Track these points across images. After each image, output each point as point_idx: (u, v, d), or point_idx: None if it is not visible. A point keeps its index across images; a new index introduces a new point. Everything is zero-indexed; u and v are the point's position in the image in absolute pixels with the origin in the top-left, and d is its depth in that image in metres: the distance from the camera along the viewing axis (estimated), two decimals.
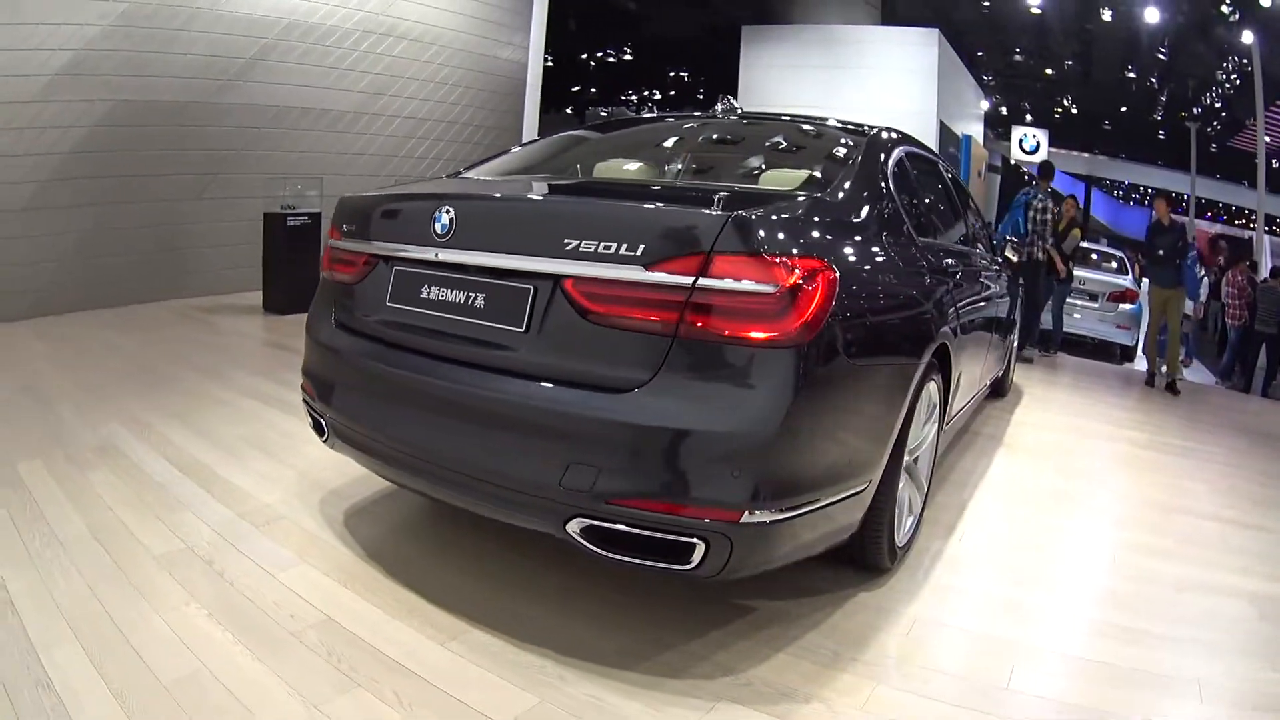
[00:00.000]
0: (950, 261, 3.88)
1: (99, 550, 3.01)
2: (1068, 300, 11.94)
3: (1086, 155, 34.53)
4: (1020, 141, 25.55)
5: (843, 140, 3.65)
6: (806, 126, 3.97)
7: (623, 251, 2.31)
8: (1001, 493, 4.58)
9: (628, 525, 2.29)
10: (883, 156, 3.52)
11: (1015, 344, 7.55)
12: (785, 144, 3.76)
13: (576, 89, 33.42)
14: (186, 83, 8.29)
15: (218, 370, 5.76)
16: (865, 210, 3.06)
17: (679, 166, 3.73)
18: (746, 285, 2.26)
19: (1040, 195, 9.52)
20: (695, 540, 2.26)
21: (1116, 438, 6.39)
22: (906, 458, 3.20)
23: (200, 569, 2.89)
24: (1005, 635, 2.95)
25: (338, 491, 3.65)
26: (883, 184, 3.35)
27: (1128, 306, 12.72)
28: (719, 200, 2.63)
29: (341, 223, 3.15)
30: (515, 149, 4.07)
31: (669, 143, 4.13)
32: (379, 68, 10.37)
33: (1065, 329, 11.88)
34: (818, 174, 3.23)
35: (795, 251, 2.37)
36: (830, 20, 19.63)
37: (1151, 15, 19.76)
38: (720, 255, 2.26)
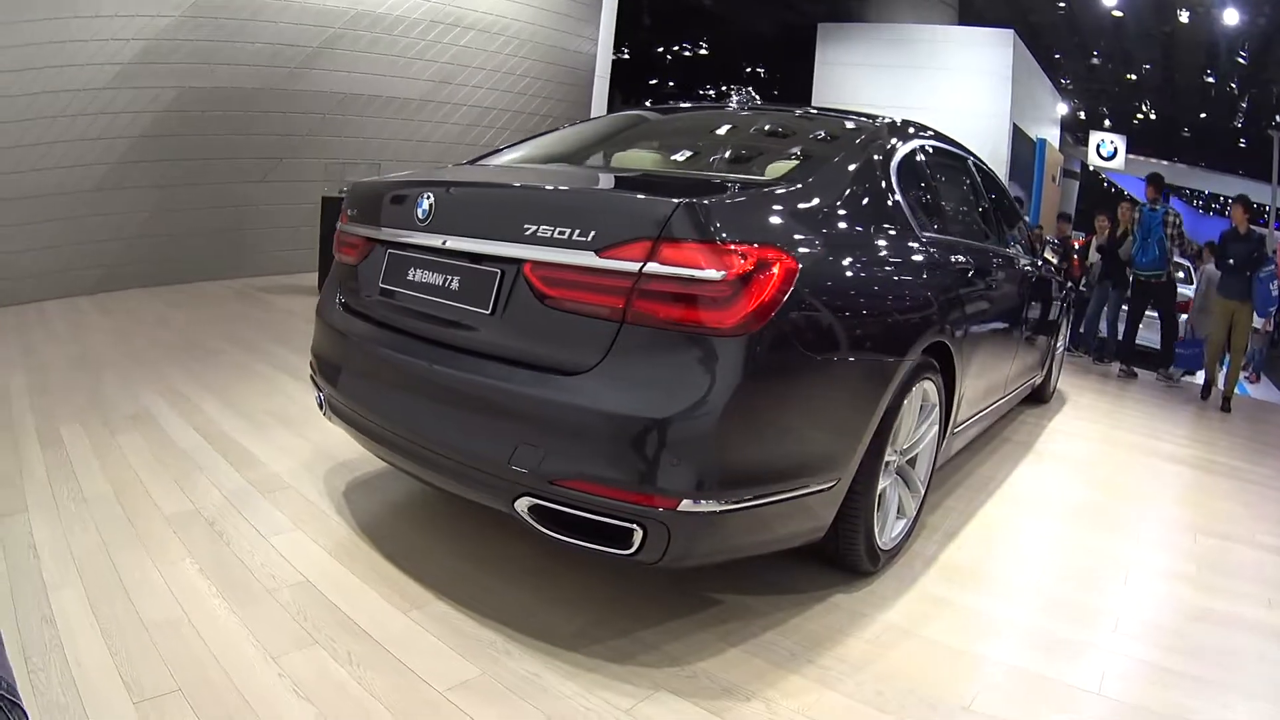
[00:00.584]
0: (962, 258, 3.76)
1: (117, 507, 3.24)
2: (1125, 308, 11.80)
3: (1165, 163, 33.52)
4: (1098, 147, 25.11)
5: (846, 132, 3.57)
6: (813, 118, 3.92)
7: (575, 237, 2.35)
8: (1017, 502, 4.41)
9: (569, 506, 2.32)
10: (886, 148, 3.45)
11: (1063, 350, 7.38)
12: (786, 135, 3.72)
13: (654, 82, 33.59)
14: (254, 70, 8.64)
15: (260, 346, 6.04)
16: (850, 201, 3.01)
17: (677, 155, 3.71)
18: (694, 272, 2.24)
19: (1171, 210, 9.30)
20: (633, 526, 2.27)
21: (1157, 452, 6.08)
22: (894, 458, 3.18)
23: (202, 529, 3.09)
24: (981, 653, 2.78)
25: (346, 464, 3.83)
26: (879, 176, 3.28)
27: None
28: (681, 187, 2.65)
29: (348, 208, 3.28)
30: (535, 138, 4.14)
31: (678, 132, 4.16)
32: (446, 57, 10.64)
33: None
34: (806, 164, 3.18)
35: (750, 239, 2.34)
36: (907, 19, 19.50)
37: (1233, 19, 19.23)
38: (668, 242, 2.26)
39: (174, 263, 8.30)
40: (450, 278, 2.71)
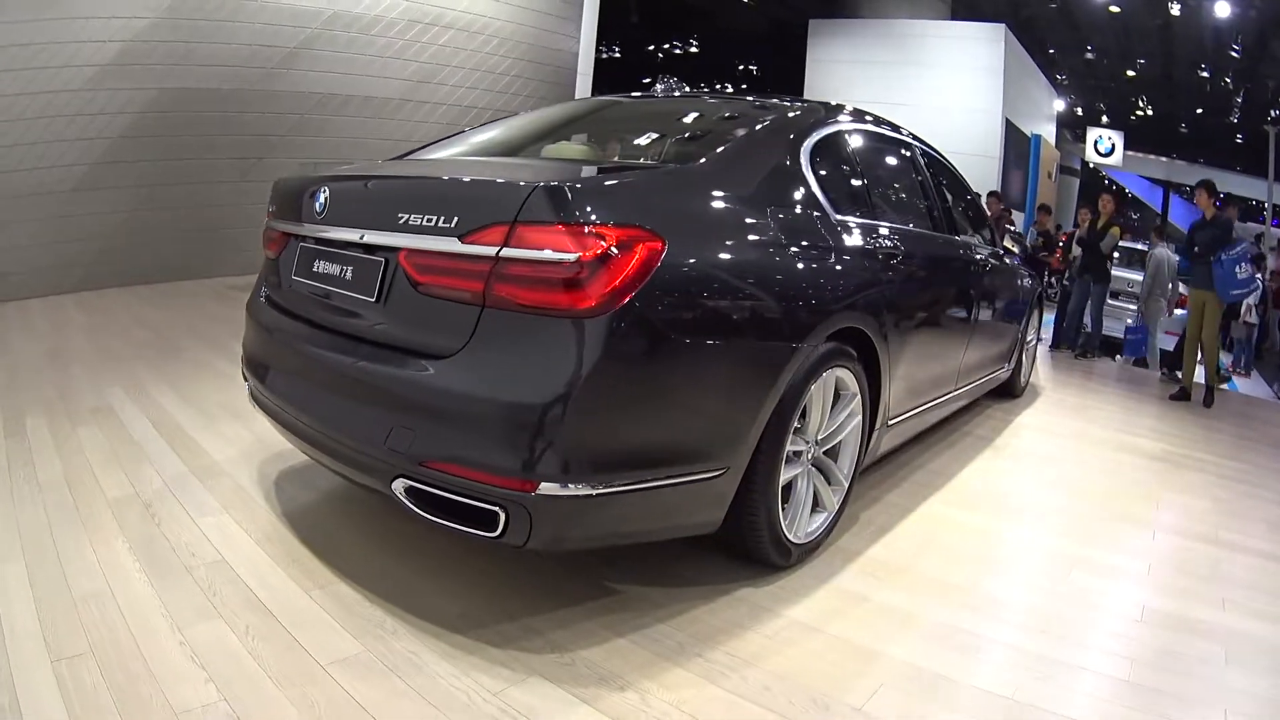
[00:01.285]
0: (890, 244, 3.67)
1: (66, 492, 3.40)
2: (1113, 304, 11.84)
3: (1164, 160, 33.54)
4: (1095, 143, 25.08)
5: (760, 116, 3.52)
6: (738, 104, 3.85)
7: (441, 224, 2.41)
8: (964, 498, 4.30)
9: (438, 488, 2.36)
10: (798, 131, 3.42)
11: (1035, 343, 7.25)
12: (698, 119, 3.67)
13: (647, 80, 33.79)
14: (233, 71, 8.79)
15: (224, 343, 6.18)
16: (744, 182, 2.99)
17: (599, 142, 3.72)
18: (548, 254, 2.26)
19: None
20: (496, 508, 2.30)
21: (1126, 447, 5.90)
22: (806, 448, 3.17)
23: (139, 511, 3.25)
24: (890, 652, 2.70)
25: (281, 454, 3.94)
26: (785, 158, 3.25)
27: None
28: (551, 172, 2.69)
29: (270, 204, 3.38)
30: (464, 132, 4.15)
31: (614, 119, 4.15)
32: (425, 56, 10.76)
33: (1111, 333, 11.72)
34: (703, 147, 3.18)
35: (611, 220, 2.34)
36: (900, 15, 19.60)
37: (1225, 11, 19.27)
38: (524, 225, 2.28)
39: (154, 262, 8.46)
40: (345, 268, 2.79)
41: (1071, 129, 30.19)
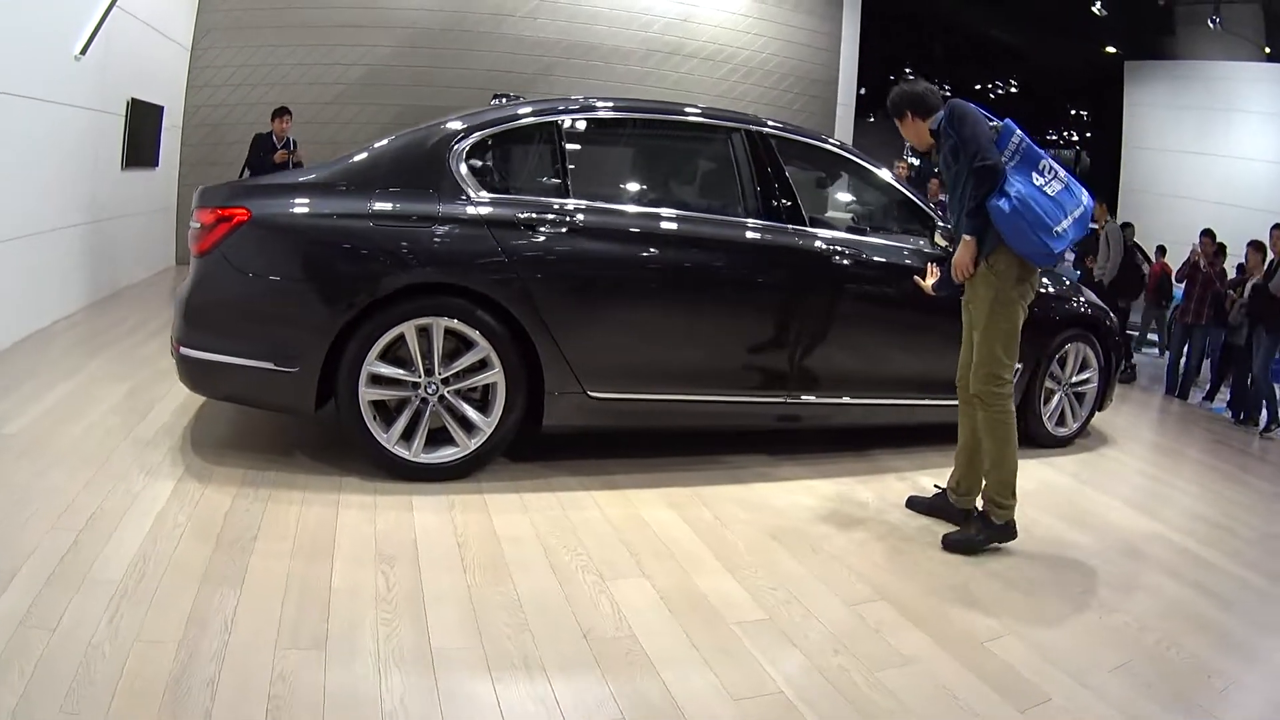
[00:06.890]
0: (566, 219, 3.97)
1: (123, 350, 5.47)
2: None
3: None
4: None
5: (432, 124, 4.11)
6: (451, 116, 4.17)
7: (193, 206, 3.89)
8: (707, 502, 3.90)
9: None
10: (460, 128, 3.99)
11: (1090, 383, 5.56)
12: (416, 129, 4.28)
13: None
14: (473, 93, 10.21)
15: None
16: (350, 174, 3.89)
17: None
18: (196, 223, 3.77)
19: None
20: (176, 360, 3.77)
21: (1094, 523, 4.23)
22: (432, 386, 3.78)
23: (158, 372, 4.91)
24: (339, 543, 3.19)
25: None
26: (418, 153, 3.95)
27: None
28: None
29: None
30: None
31: None
32: (666, 84, 11.63)
33: None
34: (358, 152, 4.05)
35: (220, 204, 3.72)
36: (1214, 55, 18.39)
37: None
38: (198, 208, 3.80)
39: None
40: None
41: None
